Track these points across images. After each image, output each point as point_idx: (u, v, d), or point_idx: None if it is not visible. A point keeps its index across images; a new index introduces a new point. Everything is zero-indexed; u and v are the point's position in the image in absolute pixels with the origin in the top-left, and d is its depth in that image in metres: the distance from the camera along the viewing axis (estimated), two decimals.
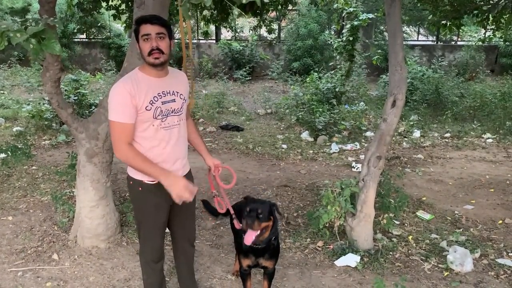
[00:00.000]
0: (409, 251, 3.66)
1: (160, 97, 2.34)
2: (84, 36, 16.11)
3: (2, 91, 11.20)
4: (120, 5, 7.24)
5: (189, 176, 2.60)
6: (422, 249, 3.71)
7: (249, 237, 2.45)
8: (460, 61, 14.25)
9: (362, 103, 9.51)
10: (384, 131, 3.61)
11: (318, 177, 5.62)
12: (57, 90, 3.40)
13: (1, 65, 13.87)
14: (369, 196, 3.62)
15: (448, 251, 3.58)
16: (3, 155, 5.75)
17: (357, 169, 5.83)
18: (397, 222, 4.23)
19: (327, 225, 3.72)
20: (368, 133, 7.98)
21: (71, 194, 4.51)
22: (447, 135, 8.08)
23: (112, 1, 7.24)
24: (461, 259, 3.37)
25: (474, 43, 12.78)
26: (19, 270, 3.32)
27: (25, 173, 5.47)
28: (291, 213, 4.48)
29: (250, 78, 14.11)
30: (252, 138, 7.66)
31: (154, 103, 2.31)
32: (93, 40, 16.01)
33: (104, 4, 7.25)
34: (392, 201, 4.02)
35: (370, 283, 3.17)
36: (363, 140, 7.59)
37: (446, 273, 3.31)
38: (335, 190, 3.64)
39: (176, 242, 2.78)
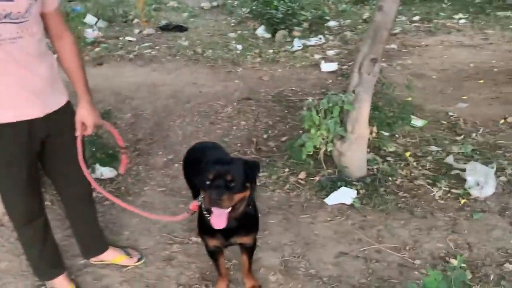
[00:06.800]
0: (412, 174, 2.97)
1: None
2: None
3: None
4: None
5: (66, 111, 1.82)
6: (425, 168, 3.03)
7: (220, 220, 1.60)
8: None
9: None
10: (379, 24, 2.71)
11: (284, 84, 4.72)
12: None
13: None
14: (363, 112, 2.81)
15: (457, 169, 2.96)
16: None
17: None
18: (386, 133, 3.52)
19: (310, 153, 2.93)
20: (332, 23, 7.02)
21: None
22: (416, 18, 7.30)
23: None
24: (483, 180, 2.71)
25: None
26: None
27: None
28: (260, 135, 3.65)
29: None
30: (200, 39, 6.49)
31: None
32: None
33: None
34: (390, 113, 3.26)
35: (375, 226, 2.51)
36: (326, 32, 6.64)
37: (463, 201, 2.68)
38: (320, 109, 2.80)
39: (62, 198, 2.08)
